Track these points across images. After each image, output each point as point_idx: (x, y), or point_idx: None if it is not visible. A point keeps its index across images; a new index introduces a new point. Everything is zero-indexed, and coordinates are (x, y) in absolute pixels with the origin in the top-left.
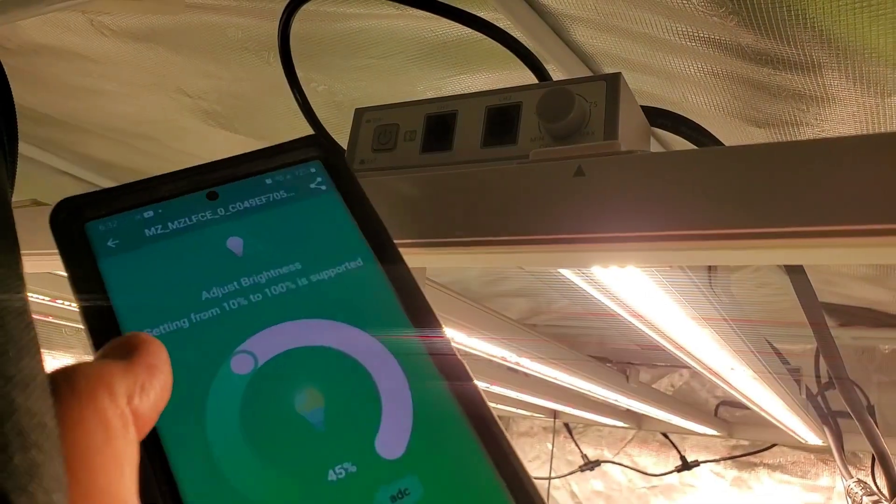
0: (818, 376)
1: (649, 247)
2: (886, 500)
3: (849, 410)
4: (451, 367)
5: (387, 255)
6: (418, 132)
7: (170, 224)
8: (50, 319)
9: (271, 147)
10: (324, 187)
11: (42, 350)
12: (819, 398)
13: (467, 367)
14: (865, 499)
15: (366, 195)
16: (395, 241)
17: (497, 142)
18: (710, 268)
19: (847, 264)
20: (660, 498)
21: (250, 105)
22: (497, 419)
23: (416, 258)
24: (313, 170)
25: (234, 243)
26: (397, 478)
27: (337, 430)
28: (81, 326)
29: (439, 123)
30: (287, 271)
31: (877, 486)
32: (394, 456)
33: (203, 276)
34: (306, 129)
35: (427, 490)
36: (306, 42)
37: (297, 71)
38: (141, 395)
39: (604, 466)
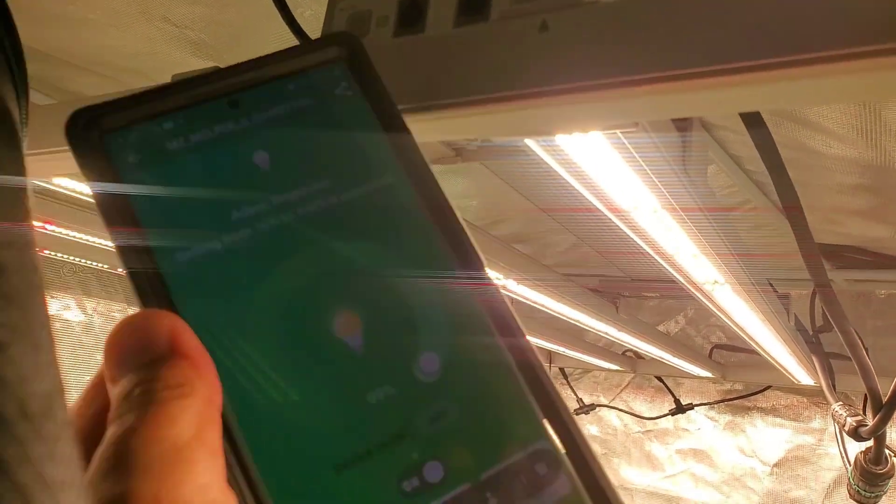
0: (812, 317)
1: (613, 95)
2: (870, 419)
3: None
4: (485, 291)
5: (417, 169)
6: (391, 17)
7: (192, 136)
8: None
9: (292, 48)
10: (349, 92)
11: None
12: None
13: (502, 293)
14: (849, 419)
15: (390, 96)
16: None
17: (469, 20)
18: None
19: (836, 179)
20: (654, 442)
21: (238, 33)
22: (534, 349)
23: None
24: (338, 72)
25: (261, 157)
26: (434, 400)
27: (374, 353)
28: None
29: (412, 6)
30: (317, 188)
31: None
32: (431, 379)
33: (232, 194)
34: None
35: (463, 412)
36: None
37: None
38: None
39: (599, 411)
